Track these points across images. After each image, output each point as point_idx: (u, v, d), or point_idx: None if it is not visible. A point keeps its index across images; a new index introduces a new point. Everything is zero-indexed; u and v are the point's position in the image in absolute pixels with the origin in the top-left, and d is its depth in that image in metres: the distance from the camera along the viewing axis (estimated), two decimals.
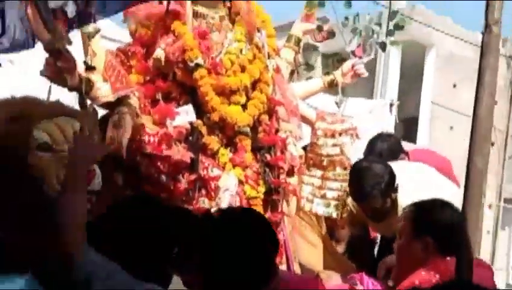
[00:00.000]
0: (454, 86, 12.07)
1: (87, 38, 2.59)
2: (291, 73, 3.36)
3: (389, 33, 3.45)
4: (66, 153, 2.12)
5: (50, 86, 2.51)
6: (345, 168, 3.14)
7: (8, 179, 2.03)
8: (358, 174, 2.92)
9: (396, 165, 3.08)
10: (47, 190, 2.06)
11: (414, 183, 3.01)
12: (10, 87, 2.73)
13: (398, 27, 3.41)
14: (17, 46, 2.58)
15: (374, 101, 9.90)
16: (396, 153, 3.54)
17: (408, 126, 12.67)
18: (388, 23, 3.35)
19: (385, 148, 3.50)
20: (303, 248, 3.04)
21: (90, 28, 2.59)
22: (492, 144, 11.58)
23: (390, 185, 2.88)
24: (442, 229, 2.24)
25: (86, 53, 2.60)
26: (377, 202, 2.88)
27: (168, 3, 2.67)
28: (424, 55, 12.32)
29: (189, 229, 1.97)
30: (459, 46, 11.84)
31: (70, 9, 2.46)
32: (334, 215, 3.06)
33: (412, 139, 11.59)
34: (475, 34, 11.63)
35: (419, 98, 12.22)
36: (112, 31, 3.59)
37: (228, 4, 2.89)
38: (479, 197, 2.08)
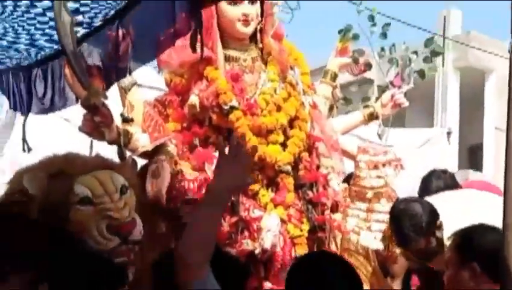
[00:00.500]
0: None
1: (123, 91, 2.66)
2: (330, 108, 3.35)
3: (426, 60, 3.40)
4: (107, 205, 2.18)
5: (91, 141, 2.59)
6: (391, 200, 3.09)
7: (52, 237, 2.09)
8: (396, 218, 2.88)
9: (441, 198, 3.02)
10: (88, 240, 2.11)
11: (461, 212, 2.94)
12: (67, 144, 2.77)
13: (435, 53, 3.36)
14: (65, 104, 2.70)
15: (431, 130, 9.74)
16: (452, 189, 3.45)
17: (473, 154, 12.42)
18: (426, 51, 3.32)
19: (441, 187, 3.39)
20: None
21: (126, 81, 2.65)
22: None
23: (432, 224, 2.81)
24: (488, 255, 2.16)
25: (123, 105, 2.67)
26: (420, 244, 2.82)
27: (202, 50, 2.72)
28: (484, 80, 12.15)
29: None
30: None
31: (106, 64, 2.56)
32: (381, 247, 3.00)
33: (478, 167, 11.34)
34: None
35: (482, 125, 11.99)
36: (150, 79, 3.66)
37: (260, 45, 2.92)
38: None
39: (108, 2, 2.30)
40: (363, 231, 3.06)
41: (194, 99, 2.68)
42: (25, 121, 2.94)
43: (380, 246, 3.04)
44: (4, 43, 2.66)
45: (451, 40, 11.76)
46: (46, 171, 2.19)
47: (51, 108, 2.86)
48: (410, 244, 2.87)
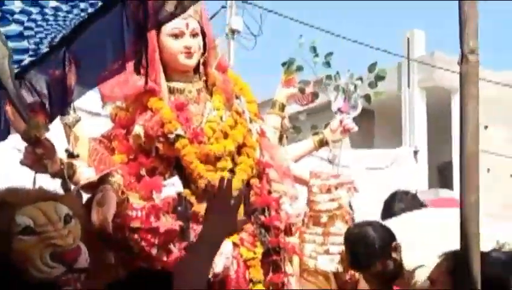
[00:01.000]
0: (486, 127, 11.90)
1: (68, 127, 2.66)
2: (280, 138, 3.39)
3: (371, 85, 3.48)
4: (50, 233, 2.14)
5: (34, 177, 2.56)
6: (346, 222, 3.10)
7: None
8: (350, 242, 2.92)
9: (400, 219, 3.05)
10: (31, 270, 2.07)
11: (420, 231, 2.95)
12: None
13: (379, 78, 3.44)
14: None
15: (398, 149, 9.74)
16: (416, 209, 3.46)
17: (443, 172, 12.50)
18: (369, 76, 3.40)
19: (402, 208, 3.38)
20: None
21: (71, 117, 2.67)
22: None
23: (386, 247, 2.83)
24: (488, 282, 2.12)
25: (68, 141, 2.66)
26: (376, 267, 2.84)
27: (147, 78, 2.74)
28: (450, 99, 12.36)
29: None
30: (483, 87, 11.92)
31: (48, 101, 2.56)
32: (340, 269, 2.99)
33: (448, 185, 11.43)
34: (499, 74, 11.66)
35: (451, 144, 12.14)
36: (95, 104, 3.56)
37: (203, 78, 2.96)
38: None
39: (54, 26, 2.30)
40: (320, 256, 3.05)
41: (138, 129, 2.68)
42: None
43: (339, 268, 3.03)
44: None
45: (417, 61, 12.05)
46: None
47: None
48: (366, 268, 2.89)
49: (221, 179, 2.00)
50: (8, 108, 2.51)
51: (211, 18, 2.94)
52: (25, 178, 2.38)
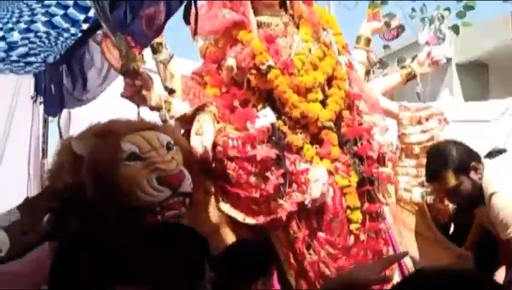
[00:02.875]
0: None
1: (162, 65, 2.69)
2: (367, 73, 3.35)
3: (459, 15, 3.37)
4: (155, 159, 2.20)
5: (138, 111, 2.62)
6: None
7: (102, 189, 2.12)
8: (428, 153, 2.89)
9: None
10: (139, 193, 2.13)
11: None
12: None
13: (468, 7, 3.32)
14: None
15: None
16: None
17: None
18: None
19: None
20: (408, 237, 2.93)
21: (164, 54, 2.69)
22: None
23: (463, 163, 2.79)
24: None
25: (163, 78, 2.70)
26: (447, 179, 2.78)
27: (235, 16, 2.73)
28: None
29: None
30: None
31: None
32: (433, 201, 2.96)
33: None
34: None
35: None
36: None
37: (290, 11, 2.94)
38: None
39: None
40: (415, 188, 3.02)
41: (231, 61, 2.69)
42: (59, 119, 3.01)
43: (433, 199, 3.00)
44: (22, 25, 2.73)
45: None
46: (93, 133, 2.24)
47: (82, 100, 2.93)
48: (438, 179, 2.82)
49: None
50: (104, 44, 2.57)
51: None
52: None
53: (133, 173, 2.15)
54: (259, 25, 2.85)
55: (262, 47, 2.71)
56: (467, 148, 2.84)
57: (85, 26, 2.88)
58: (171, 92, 2.60)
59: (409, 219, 2.98)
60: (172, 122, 2.51)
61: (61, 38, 2.90)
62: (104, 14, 2.35)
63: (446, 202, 3.06)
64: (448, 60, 7.56)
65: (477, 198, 2.81)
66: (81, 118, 3.31)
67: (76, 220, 2.09)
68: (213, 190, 2.51)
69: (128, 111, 2.46)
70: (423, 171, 3.00)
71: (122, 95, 2.41)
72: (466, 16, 3.39)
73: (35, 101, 3.59)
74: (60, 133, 3.32)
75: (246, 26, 2.75)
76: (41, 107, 3.58)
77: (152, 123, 2.38)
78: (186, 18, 2.51)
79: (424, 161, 3.01)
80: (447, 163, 2.78)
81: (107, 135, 2.22)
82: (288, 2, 2.93)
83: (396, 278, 2.76)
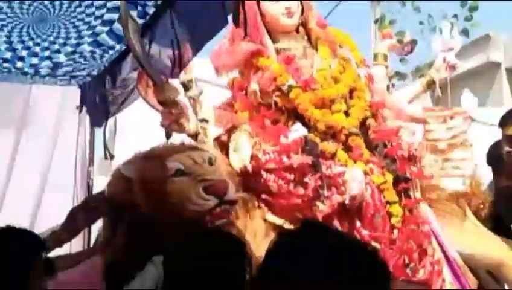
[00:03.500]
0: None
1: (192, 99, 2.89)
2: (387, 88, 3.50)
3: (466, 19, 3.54)
4: (199, 171, 2.37)
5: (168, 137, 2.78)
6: (465, 148, 3.15)
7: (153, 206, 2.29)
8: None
9: None
10: (188, 205, 2.29)
11: None
12: None
13: (473, 9, 3.49)
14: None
15: None
16: None
17: None
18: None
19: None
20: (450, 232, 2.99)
21: (195, 91, 2.89)
22: None
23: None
24: None
25: (195, 111, 2.88)
26: None
27: (246, 28, 2.88)
28: None
29: None
30: None
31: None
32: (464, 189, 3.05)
33: None
34: None
35: None
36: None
37: (305, 37, 3.13)
38: None
39: None
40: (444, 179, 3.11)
41: (254, 86, 2.87)
42: (104, 128, 3.18)
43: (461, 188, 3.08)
44: (68, 48, 2.89)
45: None
46: (139, 157, 2.42)
47: (121, 106, 3.12)
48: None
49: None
50: (140, 86, 2.77)
51: None
52: None
53: (181, 187, 2.32)
54: (279, 52, 3.03)
55: (282, 69, 2.90)
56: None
57: None
58: (203, 120, 2.79)
59: (446, 210, 3.05)
60: (211, 142, 2.69)
61: (106, 56, 3.07)
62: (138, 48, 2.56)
63: (483, 195, 3.14)
64: (498, 64, 7.48)
65: None
66: (126, 127, 3.43)
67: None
68: (257, 203, 2.64)
69: None
70: (449, 163, 3.09)
71: (162, 125, 2.60)
72: (472, 18, 3.54)
73: (80, 111, 3.71)
74: (105, 142, 3.44)
75: (264, 53, 2.95)
76: (87, 116, 3.71)
77: (192, 144, 2.57)
78: None
79: (449, 155, 3.12)
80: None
81: (152, 157, 2.41)
82: (301, 29, 3.12)
83: (446, 274, 2.82)
